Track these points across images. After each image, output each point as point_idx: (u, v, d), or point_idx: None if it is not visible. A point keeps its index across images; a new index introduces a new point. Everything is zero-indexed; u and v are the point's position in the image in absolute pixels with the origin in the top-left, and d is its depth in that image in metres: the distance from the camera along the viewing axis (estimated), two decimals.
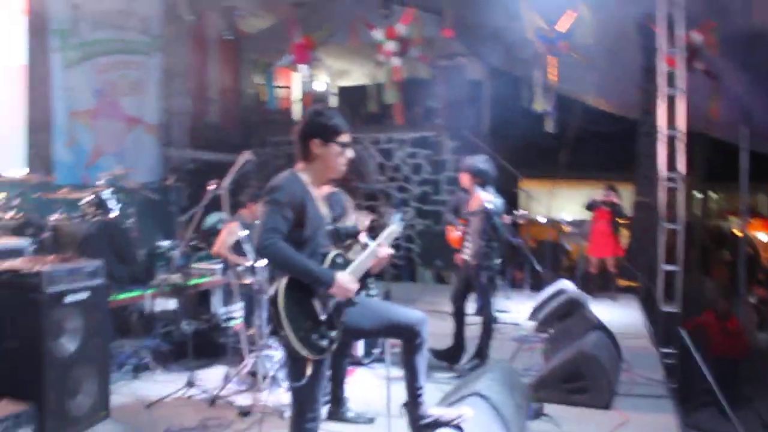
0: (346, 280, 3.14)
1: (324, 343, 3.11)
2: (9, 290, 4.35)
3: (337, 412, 4.87)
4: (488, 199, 5.92)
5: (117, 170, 7.55)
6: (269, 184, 3.14)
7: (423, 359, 3.58)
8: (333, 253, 3.27)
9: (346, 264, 3.32)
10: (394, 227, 3.65)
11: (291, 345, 3.01)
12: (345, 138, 3.28)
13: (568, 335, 6.19)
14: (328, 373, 3.84)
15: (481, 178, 6.11)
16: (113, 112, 10.28)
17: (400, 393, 5.07)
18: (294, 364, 3.15)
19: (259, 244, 3.01)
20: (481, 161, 6.17)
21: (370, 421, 4.85)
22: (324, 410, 4.57)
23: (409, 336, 3.49)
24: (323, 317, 3.12)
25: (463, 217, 6.46)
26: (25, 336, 4.26)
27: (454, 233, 6.60)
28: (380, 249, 3.47)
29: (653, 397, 5.47)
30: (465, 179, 6.22)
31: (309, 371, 3.08)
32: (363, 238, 4.11)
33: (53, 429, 4.26)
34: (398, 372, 5.70)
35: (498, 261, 6.24)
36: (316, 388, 3.20)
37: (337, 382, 4.89)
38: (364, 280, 4.75)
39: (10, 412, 3.65)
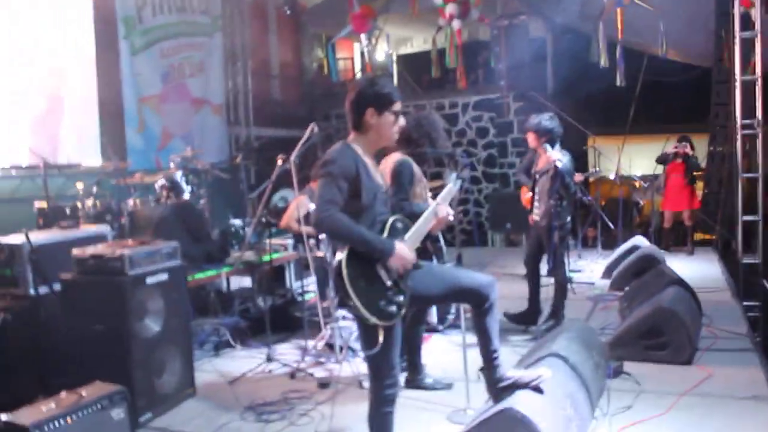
0: (403, 251, 3.12)
1: (393, 308, 3.10)
2: (94, 275, 4.53)
3: (415, 380, 4.91)
4: (557, 157, 5.83)
5: (187, 152, 7.72)
6: (323, 158, 3.16)
7: (495, 322, 3.56)
8: (392, 218, 3.27)
9: (406, 228, 3.31)
10: (451, 186, 3.63)
11: (360, 313, 3.02)
12: (398, 106, 3.25)
13: (644, 292, 6.08)
14: (402, 339, 3.79)
15: (548, 136, 6.01)
16: (180, 95, 10.49)
17: (476, 358, 5.13)
18: (366, 332, 3.16)
19: (316, 216, 3.04)
20: (545, 119, 6.07)
21: (449, 386, 4.88)
22: (402, 378, 4.62)
23: (477, 300, 3.46)
24: (389, 283, 3.10)
25: (528, 179, 6.38)
26: (111, 319, 4.42)
27: (527, 194, 6.52)
28: (439, 209, 3.46)
29: (737, 351, 5.32)
30: (531, 139, 6.14)
31: (381, 338, 3.08)
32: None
33: (144, 407, 4.44)
34: (473, 337, 5.77)
35: (569, 220, 6.15)
36: (391, 354, 3.20)
37: (414, 349, 4.93)
38: (433, 243, 4.75)
39: (103, 393, 3.80)
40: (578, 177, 8.06)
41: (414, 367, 4.94)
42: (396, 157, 4.70)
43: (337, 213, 3.00)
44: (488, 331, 3.54)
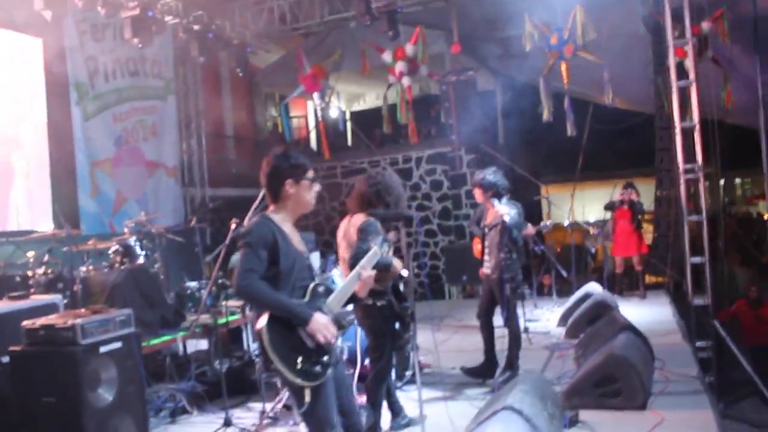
0: (321, 319, 3.21)
1: (317, 368, 3.20)
2: (45, 346, 4.47)
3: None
4: (504, 211, 5.94)
5: (141, 217, 7.69)
6: (242, 230, 3.35)
7: None
8: (313, 283, 3.38)
9: (327, 292, 3.43)
10: (376, 249, 3.71)
11: (284, 376, 3.14)
12: (311, 173, 3.44)
13: (597, 339, 6.16)
14: None
15: (493, 190, 6.13)
16: (133, 158, 10.47)
17: (435, 411, 5.14)
18: (295, 393, 3.27)
19: (237, 284, 3.17)
20: (489, 173, 6.19)
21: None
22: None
23: (351, 425, 3.52)
24: (311, 345, 3.20)
25: (480, 230, 6.49)
26: (63, 390, 4.35)
27: (478, 245, 6.61)
28: (363, 272, 3.52)
29: (689, 394, 5.42)
30: (478, 194, 6.26)
31: (307, 398, 3.18)
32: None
33: None
34: (431, 392, 5.78)
35: (520, 272, 6.24)
36: (326, 413, 3.28)
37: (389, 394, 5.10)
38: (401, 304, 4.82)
39: None
40: (530, 230, 8.24)
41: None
42: (360, 218, 4.81)
43: (256, 281, 3.15)
44: None
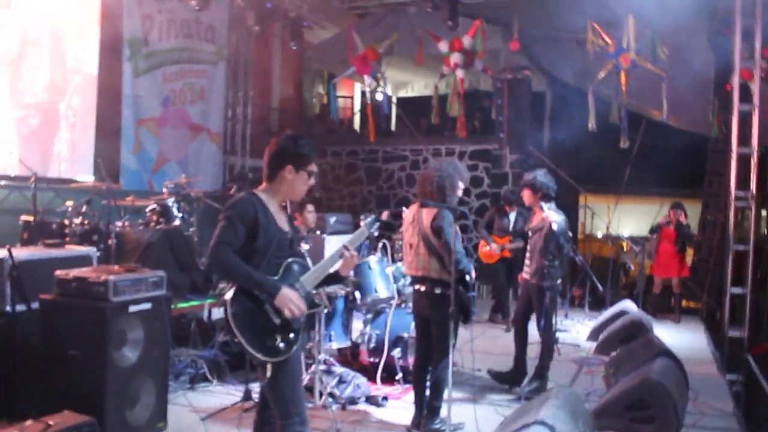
0: (288, 293, 3.25)
1: (281, 345, 3.24)
2: (76, 298, 4.40)
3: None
4: (554, 218, 5.77)
5: (181, 179, 7.63)
6: (227, 203, 3.38)
7: None
8: (289, 260, 3.40)
9: (303, 271, 3.44)
10: (364, 229, 3.69)
11: (245, 349, 3.17)
12: (314, 167, 3.47)
13: (632, 360, 5.97)
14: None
15: (543, 191, 5.97)
16: (179, 119, 10.43)
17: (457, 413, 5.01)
18: (259, 366, 3.29)
19: (209, 255, 3.23)
20: (541, 174, 6.07)
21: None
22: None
23: (286, 422, 3.32)
24: (278, 321, 3.25)
25: (487, 234, 6.38)
26: (88, 345, 4.28)
27: (485, 248, 6.51)
28: (345, 251, 3.49)
29: (723, 430, 5.23)
30: (527, 195, 6.09)
31: (268, 373, 3.20)
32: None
33: None
34: (455, 392, 5.65)
35: (560, 281, 6.07)
36: (291, 389, 3.31)
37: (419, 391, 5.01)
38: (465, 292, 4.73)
39: (70, 424, 3.65)
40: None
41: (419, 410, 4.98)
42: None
43: (228, 253, 3.20)
44: None
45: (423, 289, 4.91)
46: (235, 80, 12.11)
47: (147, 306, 4.60)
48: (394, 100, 16.27)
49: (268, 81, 13.80)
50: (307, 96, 15.06)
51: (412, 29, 11.89)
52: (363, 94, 14.46)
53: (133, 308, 4.48)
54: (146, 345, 4.58)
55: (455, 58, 11.30)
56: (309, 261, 5.65)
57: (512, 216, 8.75)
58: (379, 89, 12.14)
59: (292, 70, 14.69)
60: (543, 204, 5.93)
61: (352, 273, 6.18)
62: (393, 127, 15.85)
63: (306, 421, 3.35)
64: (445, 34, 11.47)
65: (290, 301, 3.24)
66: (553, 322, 6.13)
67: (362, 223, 3.71)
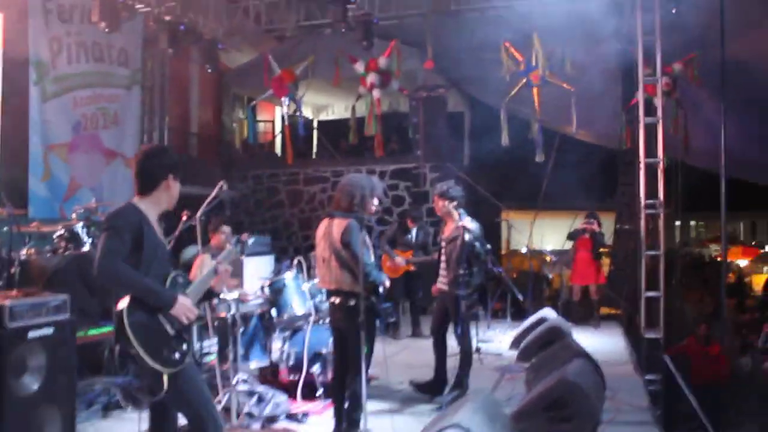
0: (185, 301, 3.28)
1: (176, 356, 3.23)
2: None
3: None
4: (468, 225, 5.79)
5: (91, 203, 7.35)
6: (108, 213, 3.39)
7: None
8: (173, 273, 3.39)
9: (186, 284, 3.45)
10: (231, 248, 3.92)
11: (143, 362, 3.10)
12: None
13: (550, 363, 5.99)
14: None
15: (457, 201, 5.99)
16: (91, 145, 10.09)
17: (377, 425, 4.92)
18: (151, 379, 3.20)
19: (99, 265, 3.16)
20: (451, 185, 6.11)
21: None
22: None
23: (201, 428, 3.36)
24: (172, 332, 3.24)
25: (390, 249, 6.39)
26: None
27: (387, 263, 6.53)
28: (219, 267, 3.62)
29: (638, 424, 5.30)
30: (440, 204, 6.08)
31: (165, 385, 3.15)
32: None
33: None
34: (377, 404, 5.56)
35: (477, 288, 6.06)
36: (197, 390, 3.31)
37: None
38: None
39: None
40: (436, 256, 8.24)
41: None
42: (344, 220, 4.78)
43: (119, 263, 3.15)
44: None
45: (337, 301, 4.83)
46: (151, 105, 11.82)
47: (49, 331, 4.38)
48: (315, 124, 16.26)
49: (186, 106, 13.57)
50: (226, 120, 14.87)
51: (329, 51, 11.89)
52: (283, 117, 14.37)
53: (33, 333, 4.26)
54: (50, 372, 4.35)
55: (371, 78, 11.31)
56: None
57: (414, 231, 8.94)
58: (298, 113, 12.07)
59: (211, 95, 14.50)
60: (461, 212, 5.95)
61: (267, 291, 6.08)
62: (314, 150, 15.80)
63: (221, 427, 3.33)
64: (361, 55, 11.51)
65: (187, 309, 3.25)
66: (470, 329, 6.11)
67: (229, 245, 3.96)
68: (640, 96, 8.48)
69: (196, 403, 3.27)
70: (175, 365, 3.20)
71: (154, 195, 3.42)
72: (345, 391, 4.85)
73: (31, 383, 4.24)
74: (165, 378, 3.13)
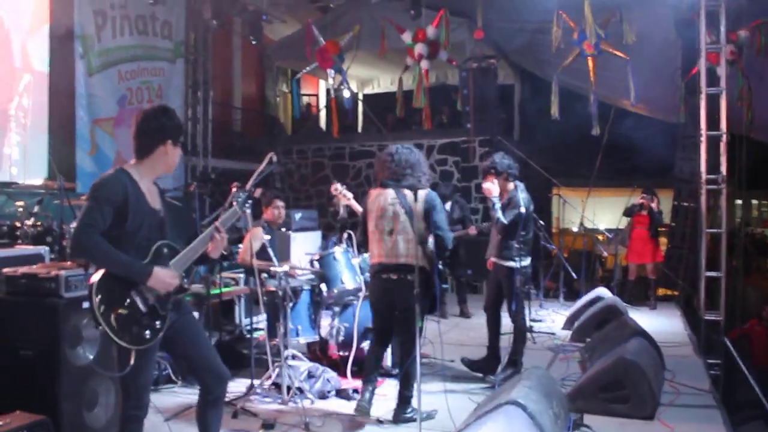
0: (163, 274, 3.23)
1: (147, 333, 3.21)
2: (26, 296, 4.29)
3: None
4: (521, 197, 5.82)
5: None
6: (94, 182, 3.28)
7: (216, 419, 3.62)
8: (159, 243, 3.33)
9: (173, 254, 3.38)
10: (236, 209, 3.61)
11: (109, 337, 3.12)
12: (181, 138, 3.48)
13: (606, 343, 6.01)
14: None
15: (507, 173, 5.97)
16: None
17: (429, 402, 4.99)
18: (119, 353, 3.22)
19: (74, 237, 3.15)
20: (499, 156, 6.10)
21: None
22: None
23: (207, 386, 3.53)
24: (144, 309, 3.21)
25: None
26: (41, 344, 4.17)
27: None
28: (215, 233, 3.46)
29: (700, 407, 5.25)
30: (491, 181, 6.04)
31: (132, 360, 3.16)
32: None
33: None
34: (427, 383, 5.62)
35: (528, 262, 6.03)
36: (141, 376, 3.29)
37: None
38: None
39: (23, 423, 3.56)
40: (472, 230, 8.23)
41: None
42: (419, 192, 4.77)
43: (94, 235, 3.10)
44: (207, 426, 3.59)
45: (395, 277, 4.81)
46: (194, 78, 11.98)
47: None
48: (360, 96, 16.27)
49: (229, 79, 13.71)
50: (269, 94, 14.98)
51: (375, 21, 11.88)
52: (327, 91, 14.42)
53: (87, 304, 4.37)
54: (103, 344, 4.46)
55: (419, 48, 11.30)
56: (271, 252, 5.61)
57: (447, 206, 8.93)
58: (343, 86, 12.11)
59: (254, 68, 14.62)
60: (508, 184, 5.96)
61: (317, 265, 6.16)
62: (360, 124, 15.83)
63: (144, 407, 3.38)
64: (408, 25, 11.48)
65: (164, 280, 3.23)
66: (524, 306, 6.11)
67: (234, 202, 3.63)
68: (702, 65, 8.29)
69: (139, 385, 3.32)
70: (143, 342, 3.20)
71: (150, 160, 3.38)
72: (379, 368, 4.97)
73: (86, 354, 4.36)
74: (133, 354, 3.16)
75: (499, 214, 5.82)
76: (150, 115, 3.39)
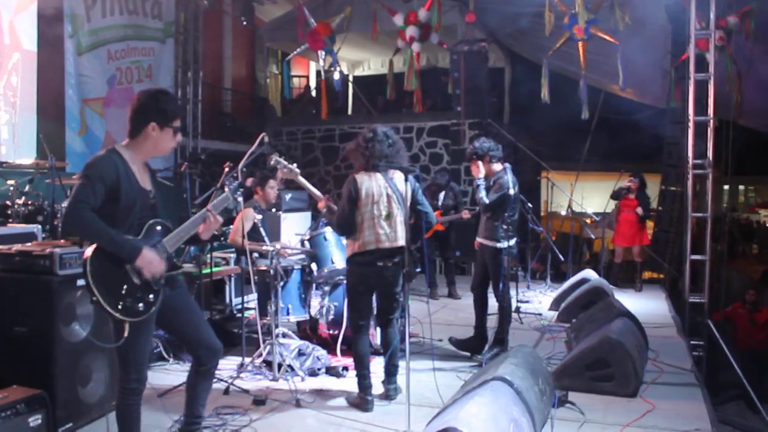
0: (151, 257, 3.30)
1: (140, 305, 3.30)
2: (20, 273, 4.33)
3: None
4: (505, 178, 5.91)
5: None
6: (87, 161, 3.33)
7: (205, 390, 3.75)
8: (152, 221, 3.42)
9: (166, 232, 3.47)
10: (227, 194, 3.71)
11: (104, 309, 3.21)
12: (178, 123, 3.47)
13: (592, 323, 6.12)
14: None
15: (489, 155, 6.07)
16: (126, 100, 10.28)
17: (420, 381, 5.09)
18: (114, 326, 3.35)
19: (66, 214, 3.21)
20: (479, 141, 6.21)
21: None
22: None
23: (200, 357, 3.66)
24: (137, 281, 3.29)
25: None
26: (35, 321, 4.22)
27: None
28: (208, 215, 3.54)
29: (681, 386, 5.38)
30: (476, 166, 6.13)
31: (126, 332, 3.27)
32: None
33: (64, 417, 4.21)
34: (418, 362, 5.73)
35: (514, 243, 6.12)
36: (138, 348, 3.40)
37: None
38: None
39: (20, 397, 3.63)
40: (466, 214, 8.35)
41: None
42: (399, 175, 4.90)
43: (86, 211, 3.17)
44: (196, 395, 3.73)
45: (392, 263, 4.83)
46: (184, 59, 11.98)
47: None
48: (350, 78, 16.30)
49: (220, 60, 13.71)
50: (260, 75, 14.99)
51: (366, 3, 11.91)
52: (318, 73, 14.45)
53: (81, 281, 4.44)
54: (98, 320, 4.54)
55: (411, 31, 11.36)
56: (263, 232, 5.69)
57: (441, 195, 9.04)
58: (334, 68, 12.15)
59: (245, 50, 14.62)
60: (493, 165, 6.05)
61: (308, 244, 6.24)
62: (350, 107, 15.87)
63: (144, 380, 3.48)
64: (400, 8, 11.53)
65: (151, 262, 3.28)
66: (509, 286, 6.20)
67: (227, 189, 3.72)
68: (691, 51, 8.37)
69: (134, 360, 3.40)
70: (136, 315, 3.28)
71: (137, 141, 3.42)
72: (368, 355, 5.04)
73: (80, 331, 4.43)
74: (127, 326, 3.26)
75: (483, 194, 5.94)
76: (140, 96, 3.44)
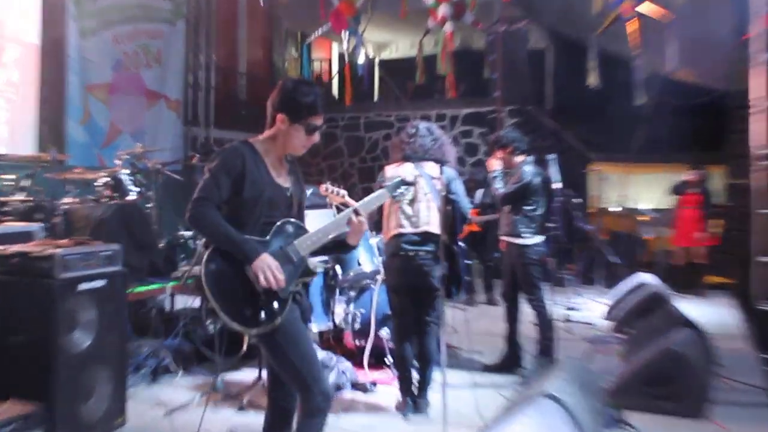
0: (268, 262, 3.15)
1: (261, 315, 3.14)
2: (18, 276, 4.32)
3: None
4: (525, 169, 5.89)
5: (136, 148, 7.53)
6: (214, 154, 3.33)
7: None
8: (282, 220, 3.30)
9: (298, 233, 3.33)
10: (384, 192, 3.60)
11: (221, 317, 3.12)
12: (317, 120, 3.37)
13: (651, 334, 5.99)
14: None
15: (513, 147, 6.09)
16: (132, 86, 10.35)
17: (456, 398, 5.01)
18: (231, 338, 3.36)
19: (188, 210, 3.17)
20: (505, 131, 6.31)
21: None
22: None
23: (304, 395, 3.26)
24: (260, 288, 3.14)
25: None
26: (34, 328, 4.22)
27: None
28: (353, 216, 3.40)
29: (756, 407, 5.24)
30: (499, 156, 6.14)
31: (244, 346, 3.16)
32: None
33: None
34: (455, 375, 5.65)
35: (541, 240, 6.03)
36: (301, 357, 3.22)
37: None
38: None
39: (17, 413, 3.61)
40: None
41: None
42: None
43: (208, 208, 3.15)
44: None
45: (413, 252, 4.87)
46: (196, 42, 12.01)
47: (100, 283, 4.53)
48: (376, 62, 16.24)
49: (234, 43, 13.70)
50: (277, 59, 14.97)
51: None
52: (341, 56, 14.39)
53: (83, 286, 4.41)
54: (101, 328, 4.51)
55: (443, 10, 11.23)
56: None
57: (478, 194, 8.94)
58: (358, 50, 12.08)
59: (261, 31, 14.60)
60: (515, 158, 6.07)
61: None
62: (376, 92, 15.81)
63: (329, 396, 3.28)
64: None
65: (266, 269, 3.13)
66: (540, 285, 6.05)
67: (382, 186, 3.58)
68: (756, 28, 8.19)
69: (300, 369, 3.21)
70: (257, 326, 3.14)
71: (273, 133, 3.37)
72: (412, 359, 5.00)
73: (82, 340, 4.40)
74: (246, 339, 3.15)
75: (500, 185, 5.97)
76: (281, 83, 3.41)
